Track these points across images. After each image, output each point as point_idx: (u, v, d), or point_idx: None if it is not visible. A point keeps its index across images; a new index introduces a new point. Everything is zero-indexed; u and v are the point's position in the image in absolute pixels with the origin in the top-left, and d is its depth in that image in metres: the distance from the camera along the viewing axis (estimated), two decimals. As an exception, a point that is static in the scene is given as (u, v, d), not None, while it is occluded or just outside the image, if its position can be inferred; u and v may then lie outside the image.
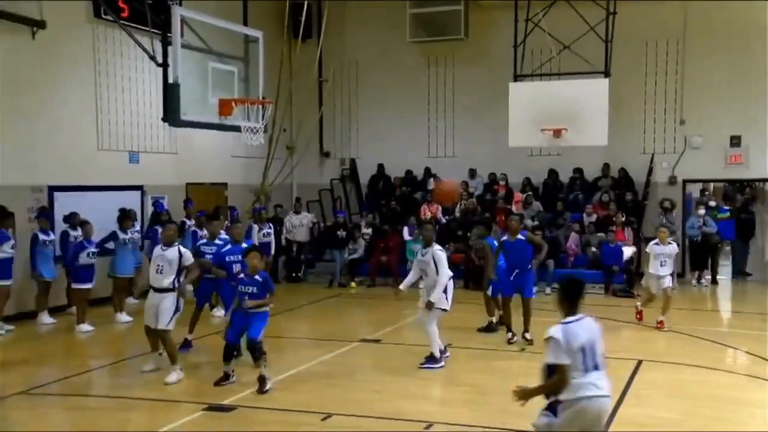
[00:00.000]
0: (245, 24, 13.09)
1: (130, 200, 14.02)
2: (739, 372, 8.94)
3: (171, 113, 10.58)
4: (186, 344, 9.83)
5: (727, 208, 17.52)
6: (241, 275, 8.22)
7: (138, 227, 13.36)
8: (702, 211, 15.76)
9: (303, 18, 16.16)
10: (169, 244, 8.55)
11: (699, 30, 16.71)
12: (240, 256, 8.96)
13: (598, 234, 15.81)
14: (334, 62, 19.01)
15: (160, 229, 13.21)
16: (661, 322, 11.17)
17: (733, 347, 10.33)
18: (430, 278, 8.88)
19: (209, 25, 11.44)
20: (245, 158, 17.12)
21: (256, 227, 14.68)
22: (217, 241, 10.32)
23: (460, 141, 18.87)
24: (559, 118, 14.48)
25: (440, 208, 17.67)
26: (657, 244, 11.41)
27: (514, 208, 16.94)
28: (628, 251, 15.09)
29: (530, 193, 17.25)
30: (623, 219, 15.76)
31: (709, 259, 16.14)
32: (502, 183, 18.00)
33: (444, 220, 17.35)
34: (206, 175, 16.75)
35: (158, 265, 8.38)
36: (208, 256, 9.95)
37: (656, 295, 11.45)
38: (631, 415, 7.16)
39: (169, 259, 8.38)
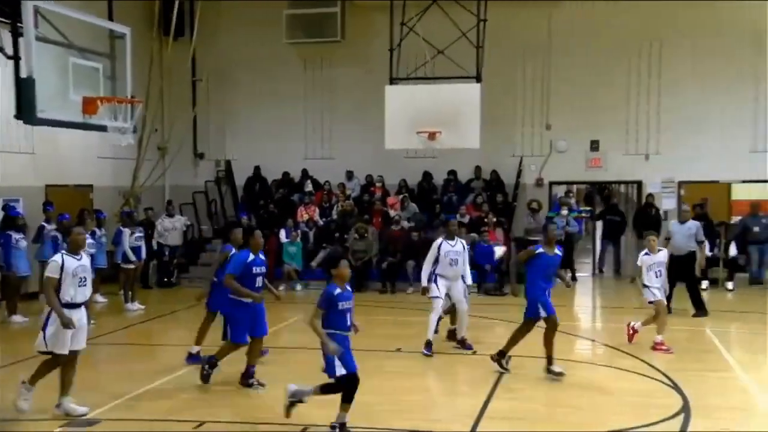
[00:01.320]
0: (110, 19, 12.47)
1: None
2: (598, 363, 9.48)
3: (25, 110, 9.86)
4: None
5: (587, 209, 18.58)
6: None
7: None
8: (565, 212, 16.59)
9: (174, 15, 15.64)
10: (78, 251, 7.31)
11: (563, 38, 17.60)
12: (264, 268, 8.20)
13: (471, 234, 16.29)
14: (209, 61, 18.56)
15: (14, 235, 12.40)
16: (660, 344, 9.87)
17: (591, 339, 10.98)
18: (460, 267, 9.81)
19: (70, 18, 10.79)
20: (113, 159, 16.36)
21: (126, 231, 14.02)
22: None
23: (337, 143, 18.91)
24: (433, 121, 14.77)
25: (317, 210, 17.63)
26: (647, 254, 10.15)
27: (391, 211, 17.18)
28: (499, 251, 15.63)
29: (406, 194, 17.54)
30: (495, 220, 16.35)
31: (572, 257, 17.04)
32: (378, 185, 18.20)
33: (321, 222, 17.34)
34: (70, 177, 15.83)
35: (81, 277, 7.18)
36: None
37: (662, 310, 10.06)
38: (501, 408, 7.42)
39: (88, 268, 7.32)
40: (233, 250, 8.61)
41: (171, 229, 16.71)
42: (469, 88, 14.85)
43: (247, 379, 8.12)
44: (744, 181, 16.95)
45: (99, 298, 13.93)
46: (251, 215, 17.46)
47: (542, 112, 17.99)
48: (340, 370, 6.41)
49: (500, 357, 8.73)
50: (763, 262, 15.57)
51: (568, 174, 18.01)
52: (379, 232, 16.48)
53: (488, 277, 15.47)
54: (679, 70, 17.09)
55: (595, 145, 17.79)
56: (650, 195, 17.14)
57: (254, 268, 8.00)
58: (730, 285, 15.23)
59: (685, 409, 7.21)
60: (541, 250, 8.59)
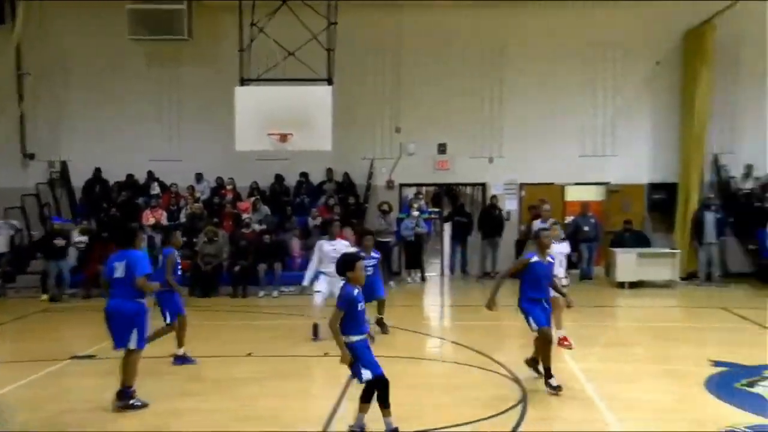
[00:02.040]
0: None
1: None
2: (448, 360, 9.78)
3: None
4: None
5: (436, 210, 19.18)
6: None
7: None
8: (416, 213, 17.03)
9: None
10: None
11: (412, 42, 18.07)
12: None
13: (323, 236, 16.28)
14: (39, 54, 17.31)
15: None
16: (563, 339, 9.88)
17: (441, 338, 11.33)
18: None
19: None
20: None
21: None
22: None
23: (185, 144, 18.27)
24: (285, 123, 14.65)
25: (164, 213, 16.95)
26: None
27: (244, 214, 16.82)
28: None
29: (258, 197, 17.27)
30: (337, 219, 16.35)
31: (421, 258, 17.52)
32: (229, 187, 17.79)
33: (170, 225, 16.66)
34: None
35: None
36: None
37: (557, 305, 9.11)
38: (352, 409, 7.43)
39: None
40: (175, 252, 9.14)
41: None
42: (320, 90, 14.85)
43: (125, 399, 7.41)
44: (575, 184, 18.20)
45: None
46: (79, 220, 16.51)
47: (392, 115, 18.35)
48: (367, 375, 6.20)
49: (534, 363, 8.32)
50: (591, 258, 16.82)
51: (418, 176, 18.51)
52: (230, 235, 16.10)
53: (340, 278, 15.51)
54: (520, 78, 18.03)
55: (442, 148, 18.40)
56: (494, 196, 17.97)
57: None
58: (564, 281, 16.22)
59: (523, 400, 7.59)
60: (535, 258, 7.93)
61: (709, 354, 9.36)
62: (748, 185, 17.41)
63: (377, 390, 6.30)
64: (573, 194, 18.25)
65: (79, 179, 18.09)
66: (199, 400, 7.83)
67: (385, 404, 6.32)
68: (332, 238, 10.83)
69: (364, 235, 11.31)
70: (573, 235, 16.15)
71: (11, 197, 17.27)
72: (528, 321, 7.88)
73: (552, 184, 18.10)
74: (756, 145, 17.36)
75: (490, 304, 7.96)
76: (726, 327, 11.81)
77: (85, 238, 15.85)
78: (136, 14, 17.20)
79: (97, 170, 18.03)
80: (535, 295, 7.88)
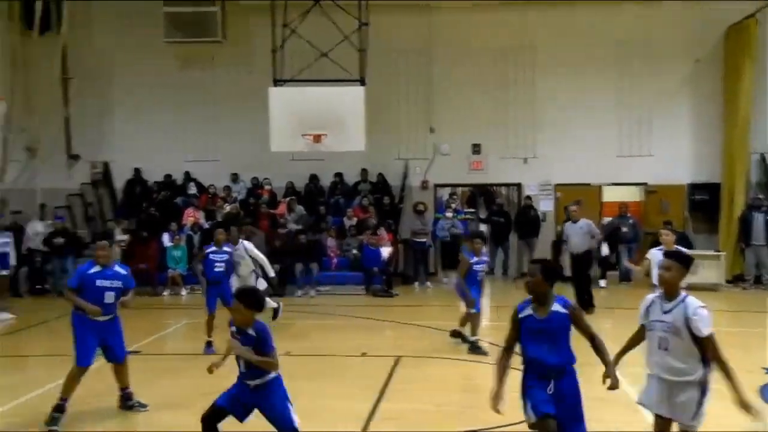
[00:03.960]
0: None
1: None
2: (483, 362, 9.74)
3: None
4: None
5: (471, 210, 19.10)
6: None
7: None
8: (450, 214, 17.01)
9: (39, 9, 14.73)
10: None
11: (445, 42, 18.02)
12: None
13: (359, 237, 16.40)
14: (83, 58, 17.70)
15: None
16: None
17: (479, 339, 11.27)
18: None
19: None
20: (-25, 160, 15.25)
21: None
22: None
23: (222, 144, 18.48)
24: (318, 123, 14.75)
25: (203, 213, 17.20)
26: (660, 249, 9.06)
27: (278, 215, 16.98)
28: (385, 252, 15.84)
29: (293, 197, 17.41)
30: (375, 222, 16.50)
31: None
32: (267, 188, 17.96)
33: (207, 225, 16.90)
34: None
35: None
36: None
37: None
38: (391, 409, 7.49)
39: None
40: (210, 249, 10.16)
41: (43, 233, 15.79)
42: (352, 91, 14.92)
43: (126, 401, 7.58)
44: (612, 184, 17.97)
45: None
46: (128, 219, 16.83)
47: (426, 115, 18.31)
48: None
49: None
50: (631, 260, 16.56)
51: (452, 176, 18.47)
52: (266, 235, 16.27)
53: (375, 279, 15.59)
54: (554, 77, 17.85)
55: (476, 149, 18.34)
56: (529, 197, 17.86)
57: (97, 281, 7.22)
58: (603, 283, 16.07)
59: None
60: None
61: (762, 360, 9.09)
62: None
63: None
64: (610, 195, 18.02)
65: (120, 179, 18.45)
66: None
67: None
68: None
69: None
70: (611, 237, 15.96)
71: (58, 197, 17.71)
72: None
73: (588, 185, 17.91)
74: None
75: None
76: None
77: (126, 237, 16.15)
78: (172, 17, 17.49)
79: (137, 171, 18.36)
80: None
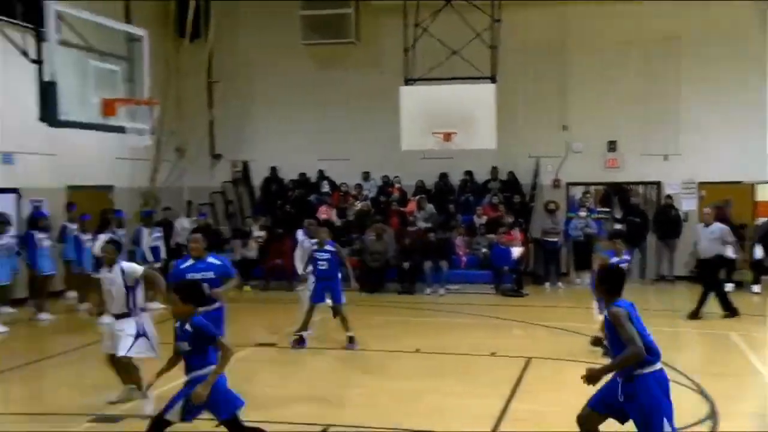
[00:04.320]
0: (128, 22, 12.59)
1: (4, 204, 13.15)
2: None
3: (48, 113, 10.00)
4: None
5: (605, 210, 18.39)
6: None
7: (12, 232, 12.58)
8: (584, 213, 16.49)
9: (190, 17, 15.73)
10: (109, 264, 7.52)
11: (579, 37, 17.49)
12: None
13: (489, 235, 16.27)
14: (225, 63, 18.65)
15: (37, 234, 12.63)
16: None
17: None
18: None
19: (89, 22, 10.90)
20: (131, 160, 16.45)
21: (146, 231, 14.23)
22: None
23: (353, 143, 18.89)
24: (449, 121, 14.77)
25: (335, 210, 17.68)
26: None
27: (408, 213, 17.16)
28: (516, 252, 15.61)
29: (423, 195, 17.52)
30: (511, 220, 16.32)
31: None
32: (396, 186, 18.21)
33: (339, 223, 17.36)
34: (90, 178, 15.93)
35: (107, 289, 7.49)
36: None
37: None
38: (521, 410, 7.39)
39: (111, 280, 7.44)
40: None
41: (189, 229, 16.78)
42: (484, 89, 14.84)
43: None
44: (768, 182, 16.73)
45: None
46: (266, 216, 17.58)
47: (558, 112, 17.87)
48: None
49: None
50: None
51: (585, 175, 17.89)
52: (396, 232, 16.48)
53: (505, 278, 15.41)
54: (697, 69, 16.88)
55: (612, 146, 17.69)
56: (669, 196, 16.99)
57: (188, 274, 7.54)
58: (756, 288, 14.98)
59: (713, 414, 7.12)
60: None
61: None
62: None
63: None
64: (766, 194, 16.76)
65: (258, 178, 19.32)
66: (364, 392, 8.10)
67: None
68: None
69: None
70: (766, 239, 14.86)
71: (201, 194, 18.80)
72: None
73: (740, 183, 16.77)
74: None
75: None
76: None
77: (263, 233, 16.88)
78: (308, 20, 18.11)
79: (273, 169, 19.14)
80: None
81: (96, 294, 7.83)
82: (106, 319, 7.88)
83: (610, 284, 5.25)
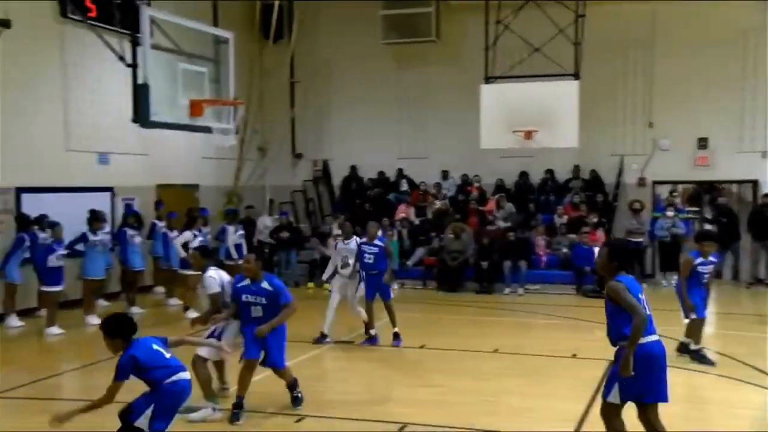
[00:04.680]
0: (215, 25, 13.01)
1: (100, 202, 13.83)
2: (709, 372, 9.06)
3: (141, 114, 10.46)
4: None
5: (694, 209, 17.73)
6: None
7: (108, 229, 13.21)
8: (671, 213, 15.95)
9: (274, 19, 16.11)
10: (198, 269, 7.68)
11: (667, 34, 16.96)
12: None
13: (570, 235, 15.96)
14: (307, 63, 18.97)
15: (129, 231, 13.22)
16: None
17: (703, 347, 10.48)
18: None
19: (179, 26, 11.33)
20: (216, 159, 16.99)
21: (230, 228, 14.67)
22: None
23: (432, 142, 18.91)
24: (530, 119, 14.60)
25: (414, 209, 17.72)
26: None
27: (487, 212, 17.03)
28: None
29: (503, 194, 17.35)
30: (595, 220, 15.95)
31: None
32: (475, 185, 18.09)
33: (417, 222, 17.40)
34: (177, 177, 16.56)
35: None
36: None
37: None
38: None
39: (201, 282, 7.59)
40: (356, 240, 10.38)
41: (271, 227, 17.18)
42: (566, 86, 14.64)
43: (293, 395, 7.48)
44: None
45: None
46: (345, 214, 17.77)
47: (644, 109, 17.37)
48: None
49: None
50: None
51: (673, 173, 17.30)
52: (475, 232, 16.38)
53: (587, 279, 15.09)
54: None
55: (702, 143, 17.03)
56: (766, 195, 16.17)
57: (243, 296, 7.13)
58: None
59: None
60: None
61: None
62: None
63: None
64: None
65: (338, 176, 19.57)
66: (442, 391, 8.09)
67: None
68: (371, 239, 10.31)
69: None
70: None
71: (283, 193, 19.19)
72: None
73: None
74: None
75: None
76: None
77: (341, 232, 17.07)
78: (389, 19, 18.24)
79: (353, 168, 19.35)
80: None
81: (182, 289, 8.08)
82: (192, 313, 8.20)
83: (620, 260, 5.39)
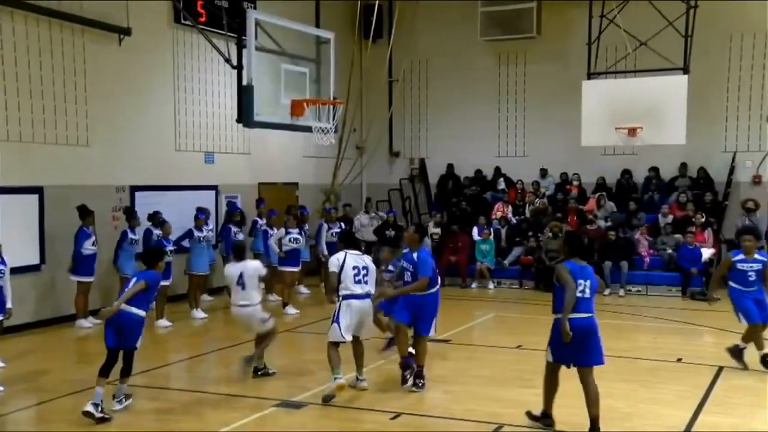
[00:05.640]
0: (317, 25, 13.24)
1: (206, 199, 14.42)
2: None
3: (245, 115, 10.79)
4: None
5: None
6: None
7: (212, 226, 13.73)
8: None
9: (374, 18, 16.27)
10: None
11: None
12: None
13: (675, 235, 15.34)
14: (405, 62, 19.05)
15: (232, 228, 13.70)
16: None
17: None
18: None
19: (282, 28, 11.62)
20: (316, 158, 17.34)
21: (326, 226, 14.94)
22: None
23: (530, 140, 18.60)
24: (634, 116, 14.12)
25: (511, 207, 17.49)
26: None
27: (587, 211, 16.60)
28: (707, 253, 14.58)
29: (603, 193, 16.86)
30: (703, 220, 15.25)
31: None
32: (575, 183, 17.66)
33: (515, 221, 17.16)
34: (278, 175, 17.03)
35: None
36: None
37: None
38: (713, 423, 6.91)
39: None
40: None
41: (368, 225, 17.38)
42: (674, 80, 14.08)
43: (415, 378, 8.05)
44: None
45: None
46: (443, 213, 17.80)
47: (759, 103, 16.44)
48: None
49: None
50: None
51: (793, 171, 16.32)
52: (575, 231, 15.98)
53: (693, 280, 14.45)
54: None
55: (825, 139, 15.98)
56: None
57: (404, 262, 8.20)
58: None
59: None
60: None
61: None
62: None
63: None
64: None
65: (434, 175, 19.57)
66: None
67: None
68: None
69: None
70: None
71: (381, 191, 19.38)
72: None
73: None
74: None
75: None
76: None
77: (439, 230, 17.08)
78: (488, 16, 18.03)
79: (450, 166, 19.29)
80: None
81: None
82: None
83: (571, 247, 6.89)
